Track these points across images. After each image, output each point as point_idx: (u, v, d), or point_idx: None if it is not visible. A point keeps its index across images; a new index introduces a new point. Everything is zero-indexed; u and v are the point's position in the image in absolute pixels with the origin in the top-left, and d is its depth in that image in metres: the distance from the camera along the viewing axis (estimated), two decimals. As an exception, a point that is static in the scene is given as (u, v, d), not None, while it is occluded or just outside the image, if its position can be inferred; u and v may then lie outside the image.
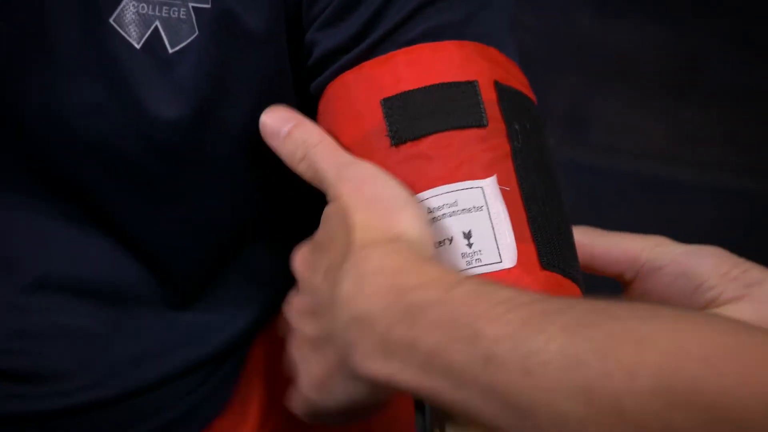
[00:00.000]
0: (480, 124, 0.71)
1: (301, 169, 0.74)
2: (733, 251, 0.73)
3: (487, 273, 0.68)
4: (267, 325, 0.93)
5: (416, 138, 0.71)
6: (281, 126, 0.74)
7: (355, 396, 0.64)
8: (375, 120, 0.72)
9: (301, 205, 0.90)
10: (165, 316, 0.88)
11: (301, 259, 0.71)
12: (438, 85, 0.72)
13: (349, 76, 0.74)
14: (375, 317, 0.60)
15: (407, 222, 0.66)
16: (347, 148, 0.74)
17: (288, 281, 0.94)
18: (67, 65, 0.77)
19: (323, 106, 0.77)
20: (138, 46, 0.76)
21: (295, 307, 0.70)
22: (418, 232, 0.66)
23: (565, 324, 0.52)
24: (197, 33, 0.76)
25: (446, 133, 0.71)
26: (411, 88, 0.72)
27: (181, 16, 0.76)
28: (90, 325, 0.86)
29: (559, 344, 0.52)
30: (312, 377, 0.66)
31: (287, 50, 0.77)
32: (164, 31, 0.76)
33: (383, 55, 0.73)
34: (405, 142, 0.71)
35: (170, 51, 0.76)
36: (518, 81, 0.74)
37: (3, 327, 0.85)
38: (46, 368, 0.85)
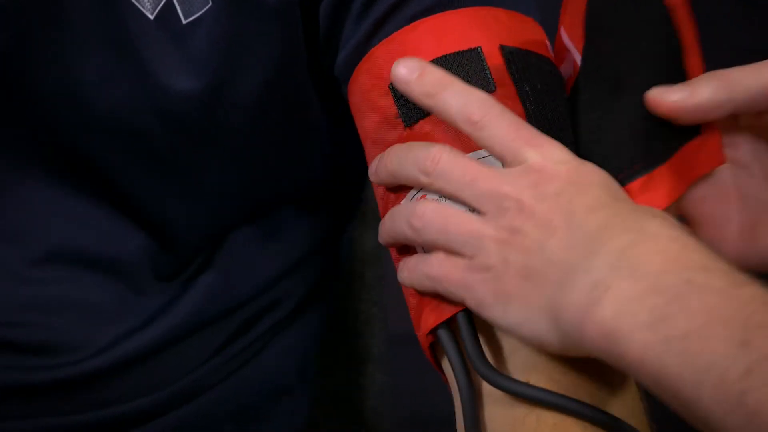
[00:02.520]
0: (488, 89, 0.70)
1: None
2: None
3: None
4: (277, 291, 0.94)
5: (426, 116, 0.70)
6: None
7: (532, 329, 0.61)
8: (388, 105, 0.71)
9: (312, 177, 0.90)
10: (168, 285, 0.88)
11: (508, 182, 0.64)
12: (441, 58, 0.71)
13: (363, 67, 0.73)
14: (647, 275, 0.56)
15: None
16: (373, 137, 0.73)
17: (299, 249, 0.94)
18: (79, 36, 0.76)
19: (351, 101, 0.76)
20: (151, 17, 0.75)
21: (493, 233, 0.64)
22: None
23: None
24: (211, 4, 0.75)
25: None
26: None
27: None
28: (97, 297, 0.86)
29: None
30: (504, 292, 0.62)
31: (300, 23, 0.76)
32: (178, 1, 0.75)
33: (387, 38, 0.73)
34: (417, 121, 0.70)
35: (184, 22, 0.75)
36: (529, 40, 0.73)
37: (11, 299, 0.85)
38: (53, 340, 0.85)
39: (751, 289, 0.55)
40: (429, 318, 0.68)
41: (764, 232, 0.69)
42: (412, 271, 0.68)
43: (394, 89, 0.70)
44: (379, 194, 0.73)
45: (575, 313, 0.58)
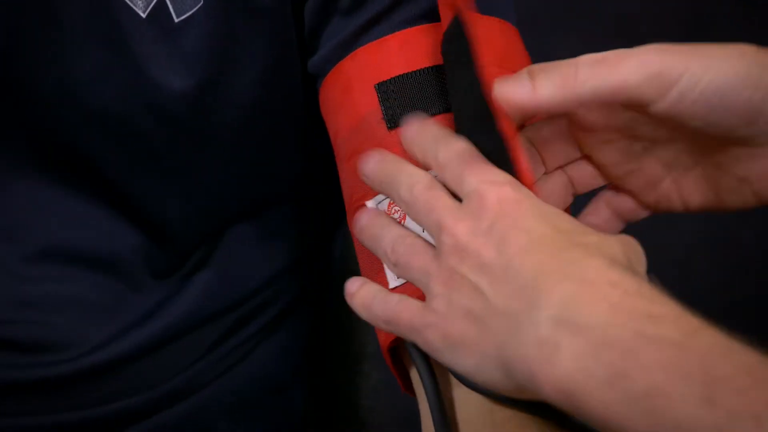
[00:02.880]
0: None
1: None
2: (741, 240, 0.70)
3: None
4: (273, 291, 0.94)
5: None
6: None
7: (482, 374, 0.58)
8: (371, 105, 0.71)
9: (306, 174, 0.90)
10: (163, 283, 0.88)
11: (451, 214, 0.61)
12: (430, 68, 0.71)
13: (344, 65, 0.74)
14: (595, 329, 0.52)
15: (609, 241, 0.58)
16: (347, 135, 0.73)
17: (294, 248, 0.95)
18: (73, 34, 0.76)
19: (323, 96, 0.76)
20: (144, 16, 0.76)
21: (437, 272, 0.61)
22: (624, 254, 0.57)
23: None
24: (202, 2, 0.75)
25: (440, 117, 0.70)
26: (404, 72, 0.71)
27: None
28: (92, 294, 0.86)
29: None
30: (451, 336, 0.60)
31: (292, 21, 0.77)
32: (170, 0, 0.75)
33: (376, 41, 0.73)
34: (401, 125, 0.70)
35: (176, 20, 0.76)
36: (509, 52, 0.73)
37: (6, 296, 0.85)
38: (47, 337, 0.85)
39: (705, 337, 0.51)
40: None
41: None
42: (367, 307, 0.66)
43: (379, 90, 0.71)
44: (347, 179, 0.73)
45: (528, 367, 0.54)
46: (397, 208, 0.69)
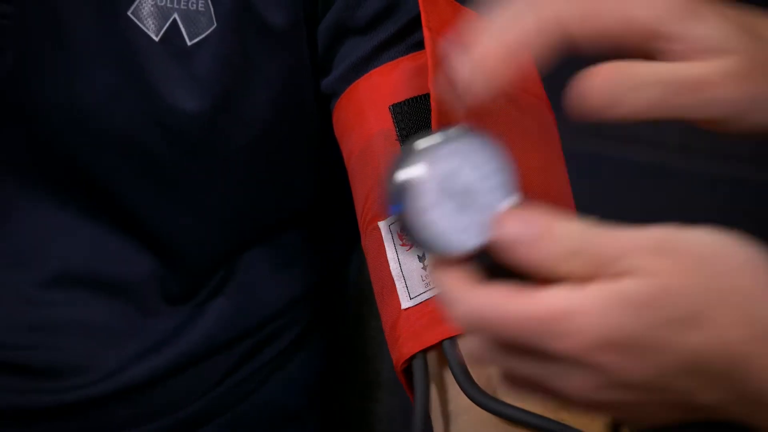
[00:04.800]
0: None
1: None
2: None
3: None
4: (288, 318, 0.94)
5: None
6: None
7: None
8: (384, 125, 0.72)
9: (319, 199, 0.90)
10: (177, 309, 0.88)
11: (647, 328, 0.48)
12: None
13: (359, 86, 0.74)
14: None
15: None
16: (359, 154, 0.73)
17: (309, 274, 0.95)
18: (84, 57, 0.76)
19: (336, 117, 0.77)
20: (156, 39, 0.76)
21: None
22: None
23: None
24: (215, 25, 0.76)
25: None
26: (418, 94, 0.71)
27: (200, 8, 0.75)
28: (104, 319, 0.86)
29: None
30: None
31: (306, 42, 0.77)
32: (182, 23, 0.76)
33: (390, 62, 0.73)
34: None
35: (189, 43, 0.76)
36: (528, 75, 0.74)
37: (19, 321, 0.85)
38: (61, 362, 0.85)
39: None
40: (408, 345, 0.68)
41: None
42: None
43: (394, 111, 0.71)
44: (360, 199, 0.73)
45: None
46: None
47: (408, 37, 0.74)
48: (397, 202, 0.51)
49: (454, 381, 0.67)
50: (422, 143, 0.51)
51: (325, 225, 0.94)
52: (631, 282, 0.46)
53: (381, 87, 0.71)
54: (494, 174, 0.51)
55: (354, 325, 1.07)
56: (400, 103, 0.71)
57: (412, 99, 0.71)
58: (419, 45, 0.73)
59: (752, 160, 1.75)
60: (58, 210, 0.84)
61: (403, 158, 0.51)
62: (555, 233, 0.48)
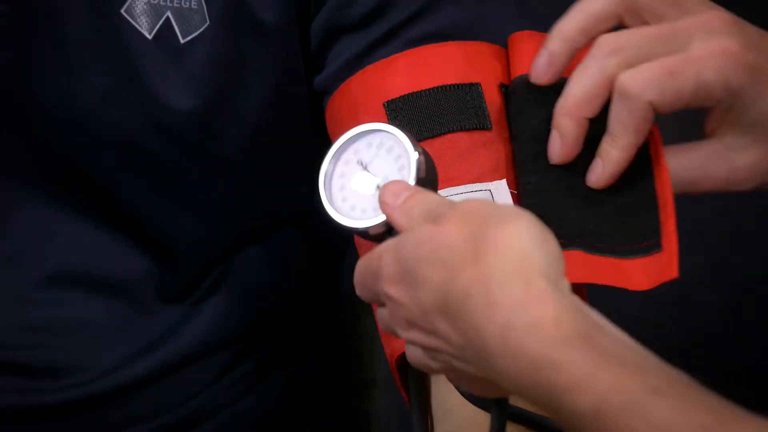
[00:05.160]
0: (484, 126, 0.70)
1: None
2: (751, 243, 0.70)
3: None
4: (281, 318, 0.93)
5: (419, 141, 0.69)
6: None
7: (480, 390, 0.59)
8: (378, 121, 0.71)
9: (314, 198, 0.90)
10: (170, 308, 0.88)
11: (396, 290, 0.58)
12: (440, 87, 0.71)
13: (352, 83, 0.74)
14: (524, 392, 0.54)
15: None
16: None
17: (303, 275, 0.94)
18: (79, 55, 0.77)
19: (329, 114, 0.77)
20: (150, 37, 0.76)
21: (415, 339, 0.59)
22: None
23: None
24: (208, 23, 0.76)
25: (450, 136, 0.70)
26: (413, 90, 0.71)
27: (193, 6, 0.76)
28: (102, 319, 0.86)
29: None
30: (472, 388, 0.60)
31: (299, 40, 0.77)
32: (176, 21, 0.76)
33: (384, 60, 0.73)
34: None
35: (182, 41, 0.76)
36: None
37: (17, 321, 0.85)
38: (58, 362, 0.85)
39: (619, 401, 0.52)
40: (400, 339, 0.68)
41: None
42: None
43: (388, 108, 0.71)
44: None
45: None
46: None
47: (402, 34, 0.74)
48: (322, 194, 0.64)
49: None
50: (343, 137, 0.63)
51: (320, 226, 0.94)
52: (408, 233, 0.58)
53: (374, 83, 0.71)
54: (396, 160, 0.62)
55: (349, 326, 1.07)
56: (395, 99, 0.71)
57: (406, 96, 0.71)
58: (413, 42, 0.73)
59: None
60: (55, 210, 0.84)
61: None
62: (408, 201, 0.60)
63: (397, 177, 0.61)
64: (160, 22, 0.76)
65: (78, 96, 0.78)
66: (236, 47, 0.76)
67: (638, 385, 0.51)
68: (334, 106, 0.75)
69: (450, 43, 0.73)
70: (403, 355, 0.68)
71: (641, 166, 0.68)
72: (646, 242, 0.67)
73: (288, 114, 0.81)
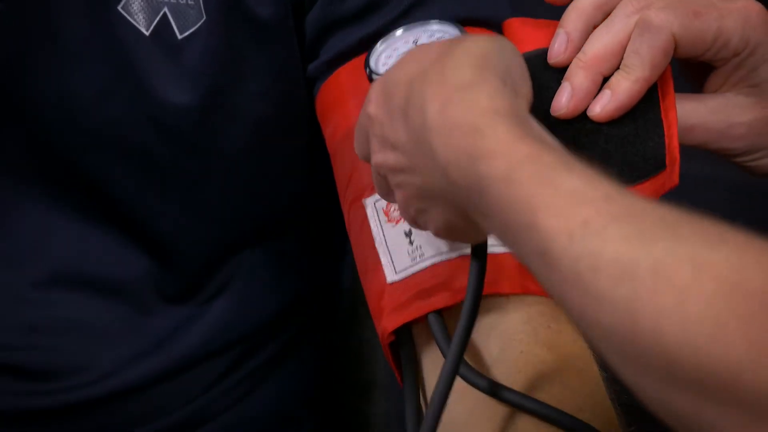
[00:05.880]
0: None
1: None
2: None
3: None
4: (282, 320, 0.93)
5: None
6: None
7: (449, 226, 0.62)
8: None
9: (314, 198, 0.90)
10: (172, 310, 0.88)
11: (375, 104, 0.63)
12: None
13: (343, 72, 0.75)
14: (456, 183, 0.56)
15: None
16: (347, 135, 0.73)
17: (305, 277, 0.94)
18: (75, 52, 0.76)
19: (320, 99, 0.77)
20: (147, 33, 0.76)
21: (384, 162, 0.63)
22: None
23: (627, 233, 0.49)
24: (205, 18, 0.76)
25: None
26: None
27: (189, 2, 0.76)
28: (101, 320, 0.86)
29: (615, 253, 0.48)
30: (440, 225, 0.62)
31: (294, 34, 0.77)
32: (172, 17, 0.76)
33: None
34: None
35: (179, 37, 0.76)
36: None
37: (15, 322, 0.85)
38: (57, 363, 0.85)
39: (529, 169, 0.54)
40: (392, 318, 0.68)
41: None
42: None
43: None
44: (342, 177, 0.75)
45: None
46: (395, 206, 0.69)
47: (395, 28, 0.74)
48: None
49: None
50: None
51: (320, 228, 0.94)
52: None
53: (365, 72, 0.71)
54: None
55: (349, 328, 1.07)
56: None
57: None
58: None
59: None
60: (54, 210, 0.84)
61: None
62: None
63: None
64: (157, 19, 0.76)
65: (76, 93, 0.78)
66: (233, 42, 0.76)
67: (552, 158, 0.53)
68: (325, 92, 0.76)
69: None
70: (393, 333, 0.69)
71: (648, 102, 0.68)
72: (652, 166, 0.68)
73: (286, 110, 0.81)
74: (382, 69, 0.69)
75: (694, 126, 0.71)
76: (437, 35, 0.69)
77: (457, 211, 0.59)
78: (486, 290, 0.65)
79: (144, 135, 0.79)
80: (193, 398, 0.89)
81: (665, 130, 0.68)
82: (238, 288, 0.89)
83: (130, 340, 0.87)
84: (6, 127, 0.80)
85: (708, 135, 0.71)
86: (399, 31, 0.70)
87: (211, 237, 0.87)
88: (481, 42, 0.60)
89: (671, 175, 0.67)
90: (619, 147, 0.68)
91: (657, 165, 0.67)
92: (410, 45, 0.69)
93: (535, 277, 0.53)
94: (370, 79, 0.69)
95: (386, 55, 0.69)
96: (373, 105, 0.62)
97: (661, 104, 0.68)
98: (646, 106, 0.68)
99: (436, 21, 0.69)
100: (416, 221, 0.63)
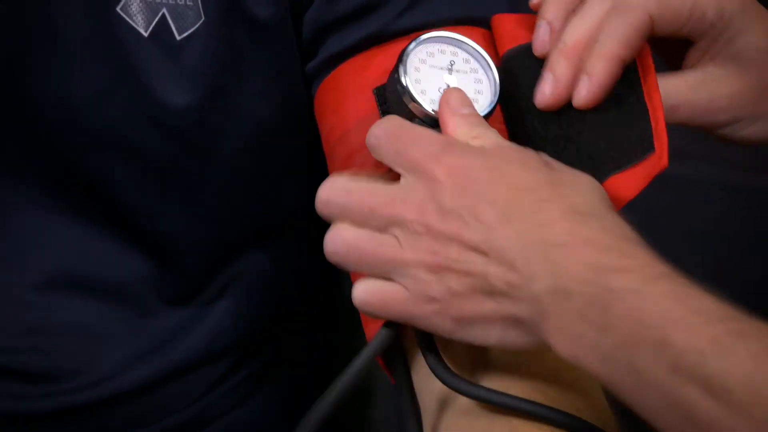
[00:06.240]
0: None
1: None
2: (747, 247, 0.72)
3: None
4: (283, 322, 0.93)
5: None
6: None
7: (508, 341, 0.61)
8: (367, 109, 0.72)
9: (313, 199, 0.90)
10: (173, 311, 0.88)
11: (405, 201, 0.62)
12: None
13: (341, 71, 0.75)
14: (573, 293, 0.57)
15: (579, 187, 0.62)
16: (342, 136, 0.73)
17: (305, 279, 0.94)
18: (74, 53, 0.77)
19: (318, 99, 0.77)
20: (146, 34, 0.76)
21: (430, 246, 0.61)
22: (593, 199, 0.62)
23: (756, 351, 0.51)
24: (204, 18, 0.76)
25: None
26: None
27: (188, 3, 0.76)
28: (101, 322, 0.86)
29: (746, 372, 0.50)
30: (464, 317, 0.62)
31: (293, 34, 0.77)
32: (171, 18, 0.76)
33: (374, 48, 0.74)
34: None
35: (178, 38, 0.76)
36: None
37: (15, 324, 0.85)
38: (56, 366, 0.85)
39: (664, 284, 0.56)
40: (370, 326, 0.69)
41: None
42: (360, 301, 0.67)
43: (377, 94, 0.72)
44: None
45: (539, 331, 0.59)
46: None
47: (393, 28, 0.74)
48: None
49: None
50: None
51: (320, 228, 0.94)
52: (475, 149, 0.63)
53: (364, 71, 0.72)
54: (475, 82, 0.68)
55: (350, 329, 1.07)
56: (383, 86, 0.71)
57: None
58: (403, 33, 0.74)
59: (751, 167, 1.75)
60: (54, 211, 0.84)
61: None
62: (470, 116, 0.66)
63: (471, 96, 0.67)
64: (156, 19, 0.76)
65: (75, 94, 0.78)
66: (232, 43, 0.76)
67: (683, 279, 0.55)
68: (324, 91, 0.76)
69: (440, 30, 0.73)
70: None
71: (628, 85, 0.68)
72: (640, 149, 0.67)
73: (286, 110, 0.81)
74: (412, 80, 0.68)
75: (677, 105, 0.71)
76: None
77: (521, 324, 0.60)
78: None
79: (144, 135, 0.79)
80: (194, 400, 0.89)
81: (650, 112, 0.68)
82: (239, 290, 0.89)
83: (131, 342, 0.87)
84: (5, 127, 0.80)
85: (692, 111, 0.72)
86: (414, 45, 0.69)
87: (211, 237, 0.87)
88: (594, 181, 0.62)
89: (660, 158, 0.67)
90: (605, 133, 0.68)
91: (645, 148, 0.67)
92: (446, 65, 0.69)
93: (654, 390, 0.54)
94: (399, 95, 0.68)
95: (417, 60, 0.68)
96: (450, 196, 0.60)
97: (642, 86, 0.68)
98: (628, 90, 0.68)
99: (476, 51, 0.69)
100: (459, 327, 0.62)
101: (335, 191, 0.64)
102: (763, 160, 1.77)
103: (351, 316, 1.05)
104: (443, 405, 0.67)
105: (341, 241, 0.64)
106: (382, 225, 0.62)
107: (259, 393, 0.93)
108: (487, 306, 0.60)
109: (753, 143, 0.74)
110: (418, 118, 0.67)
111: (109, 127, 0.79)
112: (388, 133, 0.64)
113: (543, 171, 0.61)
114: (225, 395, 0.91)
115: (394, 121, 0.64)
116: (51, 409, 0.85)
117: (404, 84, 0.66)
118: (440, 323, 0.62)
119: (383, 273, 0.63)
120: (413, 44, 0.67)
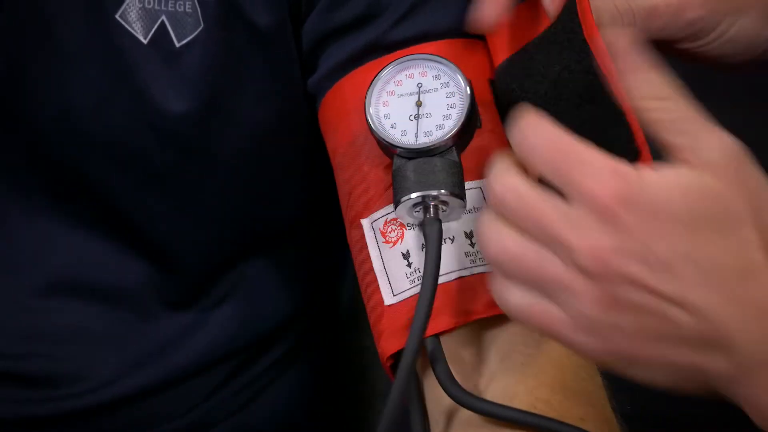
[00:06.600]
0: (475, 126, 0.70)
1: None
2: None
3: (488, 272, 0.66)
4: (284, 325, 0.93)
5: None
6: None
7: (680, 386, 0.59)
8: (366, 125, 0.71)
9: (314, 206, 0.90)
10: (174, 316, 0.88)
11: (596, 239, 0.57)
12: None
13: (343, 86, 0.74)
14: None
15: None
16: (345, 152, 0.73)
17: (307, 284, 0.94)
18: (72, 59, 0.77)
19: (322, 115, 0.77)
20: (145, 41, 0.76)
21: (609, 285, 0.57)
22: None
23: None
24: (203, 26, 0.76)
25: None
26: None
27: (187, 10, 0.76)
28: (101, 327, 0.86)
29: None
30: (639, 358, 0.58)
31: (293, 41, 0.77)
32: (170, 25, 0.76)
33: (374, 61, 0.73)
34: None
35: (177, 45, 0.76)
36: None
37: (15, 329, 0.85)
38: (57, 371, 0.85)
39: None
40: (391, 342, 0.68)
41: None
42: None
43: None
44: (345, 194, 0.73)
45: (732, 392, 0.58)
46: (394, 226, 0.68)
47: (392, 37, 0.74)
48: None
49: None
50: None
51: (321, 234, 0.94)
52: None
53: (365, 85, 0.71)
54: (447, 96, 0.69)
55: (350, 335, 1.07)
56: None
57: None
58: (402, 44, 0.73)
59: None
60: (54, 217, 0.84)
61: None
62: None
63: (444, 113, 0.67)
64: (155, 27, 0.76)
65: (74, 101, 0.78)
66: (231, 49, 0.76)
67: None
68: (327, 107, 0.76)
69: (439, 42, 0.73)
70: (392, 356, 0.68)
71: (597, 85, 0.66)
72: (627, 155, 0.64)
73: (286, 115, 0.81)
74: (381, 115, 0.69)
75: (650, 11, 0.70)
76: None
77: (705, 375, 0.58)
78: (464, 318, 0.66)
79: (143, 141, 0.79)
80: (195, 406, 0.89)
81: (630, 121, 0.64)
82: (240, 295, 0.89)
83: (132, 347, 0.87)
84: (5, 133, 0.81)
85: (664, 18, 0.71)
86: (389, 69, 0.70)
87: (211, 242, 0.87)
88: None
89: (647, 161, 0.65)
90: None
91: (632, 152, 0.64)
92: (414, 88, 0.69)
93: None
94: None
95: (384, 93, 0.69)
96: (633, 241, 0.56)
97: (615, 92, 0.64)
98: (602, 93, 0.65)
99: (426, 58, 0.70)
100: (619, 363, 0.59)
101: (509, 192, 0.59)
102: (764, 161, 1.77)
103: (351, 316, 1.06)
104: (450, 416, 0.67)
105: (502, 248, 0.59)
106: (548, 241, 0.58)
107: (261, 399, 0.93)
108: (671, 354, 0.57)
109: (741, 55, 0.73)
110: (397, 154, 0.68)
111: (109, 133, 0.79)
112: (545, 145, 0.59)
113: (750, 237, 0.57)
114: (226, 400, 0.91)
115: (550, 130, 0.59)
116: (52, 413, 0.85)
117: (372, 124, 0.68)
118: (599, 357, 0.59)
119: (542, 290, 0.59)
120: (375, 79, 0.69)
